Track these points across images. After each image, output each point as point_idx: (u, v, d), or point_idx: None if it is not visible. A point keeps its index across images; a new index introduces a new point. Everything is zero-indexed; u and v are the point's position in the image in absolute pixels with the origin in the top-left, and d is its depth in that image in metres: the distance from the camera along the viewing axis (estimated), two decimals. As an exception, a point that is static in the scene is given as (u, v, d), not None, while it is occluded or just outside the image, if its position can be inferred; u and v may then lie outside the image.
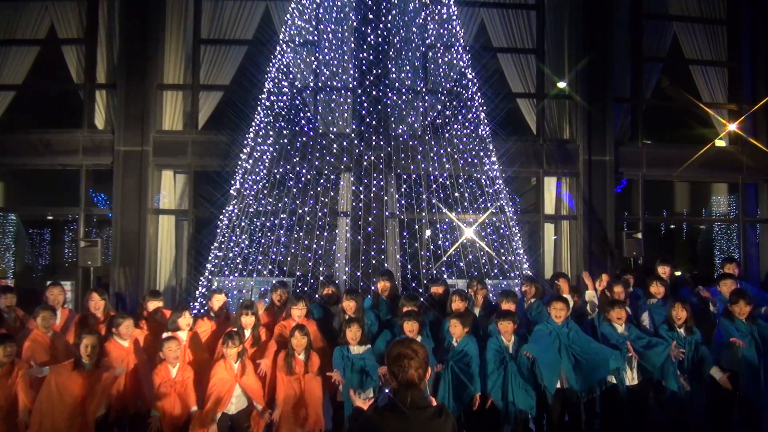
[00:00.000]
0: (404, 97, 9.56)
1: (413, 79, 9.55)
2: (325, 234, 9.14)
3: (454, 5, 9.50)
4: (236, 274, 8.70)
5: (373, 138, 9.22)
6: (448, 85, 9.61)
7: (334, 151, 9.25)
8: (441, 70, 9.67)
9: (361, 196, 9.10)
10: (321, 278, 8.25)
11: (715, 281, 7.06)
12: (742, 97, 11.63)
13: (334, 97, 9.73)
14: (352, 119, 9.57)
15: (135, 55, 10.43)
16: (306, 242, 8.73)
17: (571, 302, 6.60)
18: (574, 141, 11.01)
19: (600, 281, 7.19)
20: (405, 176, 9.44)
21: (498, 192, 9.14)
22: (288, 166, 9.04)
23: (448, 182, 9.03)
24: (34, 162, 10.69)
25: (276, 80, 9.20)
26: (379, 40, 9.24)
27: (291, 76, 9.41)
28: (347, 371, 5.64)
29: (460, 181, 9.09)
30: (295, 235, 8.76)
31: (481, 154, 9.30)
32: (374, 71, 9.16)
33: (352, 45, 9.33)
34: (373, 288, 7.54)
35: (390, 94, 9.35)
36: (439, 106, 9.74)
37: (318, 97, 9.89)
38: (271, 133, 9.12)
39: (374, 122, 9.20)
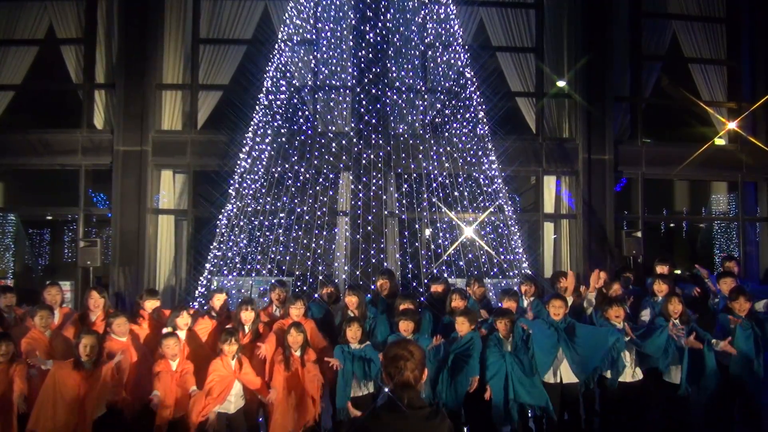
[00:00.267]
0: (403, 96, 9.55)
1: (412, 77, 9.53)
2: (325, 233, 9.13)
3: (453, 4, 9.50)
4: (235, 274, 8.69)
5: (373, 137, 9.21)
6: (447, 84, 9.60)
7: (333, 150, 9.25)
8: (440, 68, 9.66)
9: (361, 195, 9.09)
10: (320, 277, 8.24)
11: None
12: (742, 96, 11.64)
13: (333, 96, 9.72)
14: (351, 118, 9.56)
15: (134, 54, 10.43)
16: (305, 241, 8.72)
17: (570, 300, 6.61)
18: (574, 140, 11.00)
19: (598, 279, 7.18)
20: (404, 175, 9.43)
21: (497, 191, 9.14)
22: (287, 165, 9.03)
23: (447, 181, 9.02)
24: (33, 162, 10.69)
25: (275, 79, 9.20)
26: (378, 38, 9.23)
27: (290, 75, 9.41)
28: (347, 363, 5.66)
29: (460, 180, 9.09)
30: (294, 235, 8.75)
31: (481, 153, 9.30)
32: (373, 70, 9.15)
33: (351, 44, 9.32)
34: (372, 287, 7.54)
35: (389, 93, 9.34)
36: (439, 105, 9.74)
37: (317, 96, 9.89)
38: (270, 132, 9.11)
39: (373, 121, 9.19)
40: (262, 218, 8.81)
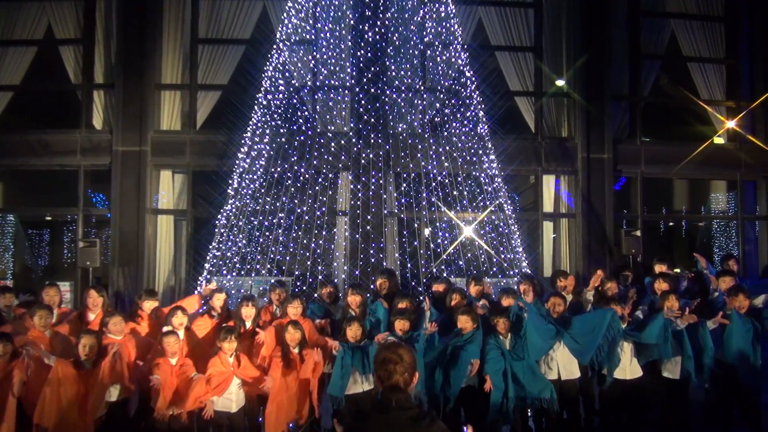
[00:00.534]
0: (403, 95, 9.55)
1: (411, 77, 9.54)
2: (324, 233, 9.13)
3: (452, 3, 9.51)
4: (234, 274, 8.69)
5: (372, 136, 9.21)
6: (446, 84, 9.60)
7: (333, 149, 9.25)
8: (439, 68, 9.66)
9: (360, 195, 9.09)
10: (320, 277, 8.25)
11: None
12: (741, 94, 11.65)
13: (332, 95, 9.72)
14: (350, 118, 9.56)
15: (133, 54, 10.42)
16: (305, 241, 8.72)
17: (569, 298, 6.63)
18: (573, 139, 11.01)
19: (596, 277, 7.19)
20: (404, 175, 9.43)
21: (497, 190, 9.15)
22: (286, 165, 9.03)
23: (446, 180, 9.03)
24: (32, 162, 10.68)
25: (274, 79, 9.20)
26: (377, 38, 9.23)
27: (289, 74, 9.41)
28: (347, 356, 5.67)
29: (459, 179, 9.09)
30: (294, 235, 8.75)
31: (480, 152, 9.31)
32: (372, 69, 9.15)
33: (350, 43, 9.33)
34: (372, 287, 7.55)
35: (388, 93, 9.34)
36: (438, 105, 9.74)
37: (316, 96, 9.89)
38: (269, 132, 9.11)
39: (372, 121, 9.19)
40: (261, 218, 8.80)
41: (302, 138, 9.25)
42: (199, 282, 8.79)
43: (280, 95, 9.20)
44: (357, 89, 9.25)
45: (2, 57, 10.82)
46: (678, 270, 7.27)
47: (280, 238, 8.69)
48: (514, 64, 11.17)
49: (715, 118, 11.66)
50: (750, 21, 11.78)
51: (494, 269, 8.86)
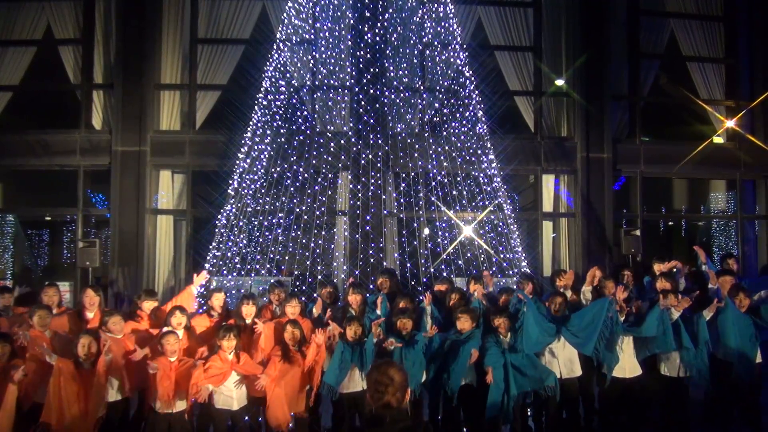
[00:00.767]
0: (402, 95, 9.56)
1: (411, 77, 9.55)
2: (324, 233, 9.13)
3: (452, 3, 9.51)
4: (234, 274, 8.69)
5: (371, 136, 9.22)
6: (445, 83, 9.61)
7: (332, 149, 9.25)
8: (438, 68, 9.66)
9: (359, 195, 9.10)
10: (319, 277, 8.25)
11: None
12: (740, 94, 11.66)
13: (331, 95, 9.73)
14: (349, 118, 9.56)
15: (132, 54, 10.43)
16: (304, 241, 8.73)
17: (569, 295, 6.64)
18: (572, 138, 11.01)
19: (594, 277, 7.19)
20: (403, 174, 9.44)
21: (496, 190, 9.15)
22: (286, 165, 9.03)
23: (446, 180, 9.03)
24: (31, 163, 10.69)
25: (273, 79, 9.20)
26: (377, 38, 9.24)
27: (288, 75, 9.41)
28: (347, 353, 5.67)
29: (459, 179, 9.10)
30: (293, 234, 8.75)
31: (479, 152, 9.31)
32: (371, 69, 9.16)
33: (350, 43, 9.33)
34: (371, 287, 7.55)
35: (387, 93, 9.35)
36: (437, 105, 9.75)
37: (315, 96, 9.89)
38: (268, 132, 9.11)
39: (372, 121, 9.20)
40: (261, 218, 8.81)
41: (302, 138, 9.25)
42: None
43: (280, 95, 9.20)
44: (356, 89, 9.26)
45: (2, 57, 10.82)
46: (676, 262, 7.26)
47: (280, 238, 8.70)
48: (513, 64, 11.17)
49: (715, 118, 11.67)
50: (749, 21, 11.79)
51: (494, 269, 8.86)
